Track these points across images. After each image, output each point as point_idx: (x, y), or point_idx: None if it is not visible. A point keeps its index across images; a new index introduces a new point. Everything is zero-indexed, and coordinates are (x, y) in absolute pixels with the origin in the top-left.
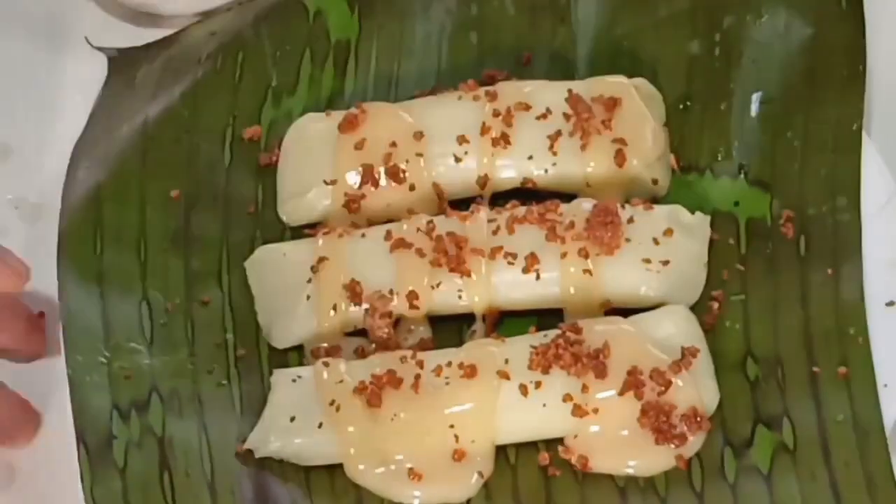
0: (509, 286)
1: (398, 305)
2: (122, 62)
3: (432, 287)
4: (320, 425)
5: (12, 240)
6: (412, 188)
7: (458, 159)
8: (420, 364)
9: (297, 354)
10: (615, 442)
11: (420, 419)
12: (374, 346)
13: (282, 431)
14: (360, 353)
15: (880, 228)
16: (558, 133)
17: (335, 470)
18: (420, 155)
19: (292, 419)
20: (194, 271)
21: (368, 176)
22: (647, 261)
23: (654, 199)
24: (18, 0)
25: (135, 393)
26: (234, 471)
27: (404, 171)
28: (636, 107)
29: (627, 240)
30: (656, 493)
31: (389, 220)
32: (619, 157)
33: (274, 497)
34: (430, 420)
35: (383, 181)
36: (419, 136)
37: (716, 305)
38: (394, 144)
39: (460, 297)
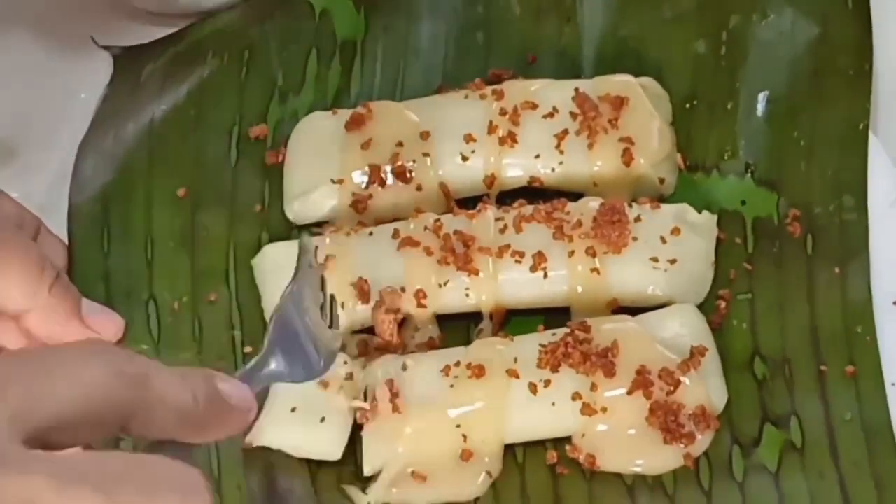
0: (516, 285)
1: (406, 304)
2: (127, 60)
3: (440, 285)
4: (322, 419)
5: None
6: (419, 188)
7: (464, 158)
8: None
9: None
10: (623, 441)
11: (426, 422)
12: (375, 341)
13: (281, 422)
14: (362, 349)
15: (887, 227)
16: (565, 132)
17: (342, 466)
18: (427, 155)
19: (293, 409)
20: (201, 270)
21: (375, 176)
22: (655, 259)
23: (661, 198)
24: None
25: None
26: (240, 467)
27: (411, 172)
28: (643, 106)
29: (634, 238)
30: (664, 491)
31: (397, 219)
32: (626, 156)
33: (281, 493)
34: (436, 423)
35: (390, 181)
36: (426, 135)
37: (723, 304)
38: (400, 144)
39: (467, 295)
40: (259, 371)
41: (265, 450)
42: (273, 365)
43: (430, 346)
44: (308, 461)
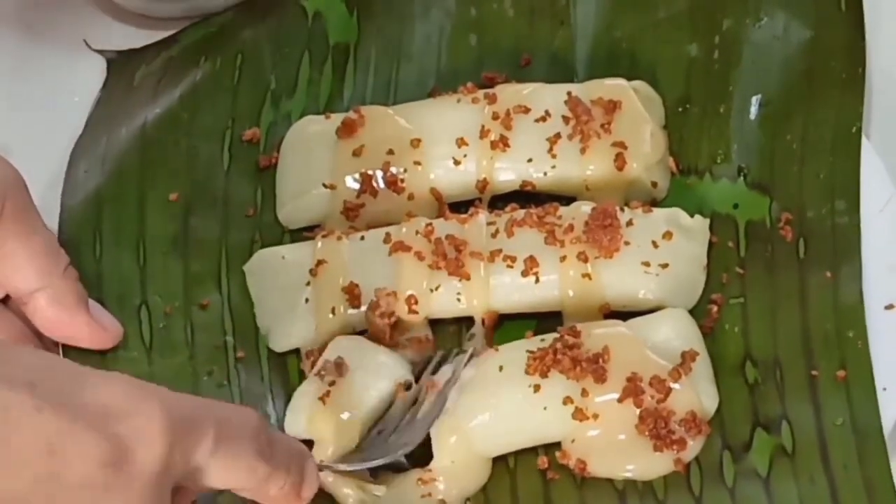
0: (508, 289)
1: (397, 309)
2: (120, 64)
3: (431, 290)
4: None
5: None
6: (411, 197)
7: (457, 162)
8: None
9: (296, 356)
10: (613, 446)
11: None
12: None
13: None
14: None
15: (879, 231)
16: (557, 136)
17: None
18: (418, 163)
19: None
20: (193, 274)
21: (367, 185)
22: (647, 264)
23: (653, 202)
24: (17, 2)
25: None
26: None
27: (402, 181)
28: (636, 109)
29: (626, 243)
30: (655, 496)
31: (388, 224)
32: (619, 161)
33: None
34: None
35: (382, 190)
36: (417, 143)
37: (715, 308)
38: (391, 152)
39: (459, 300)
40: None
41: None
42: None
43: (421, 343)
44: None
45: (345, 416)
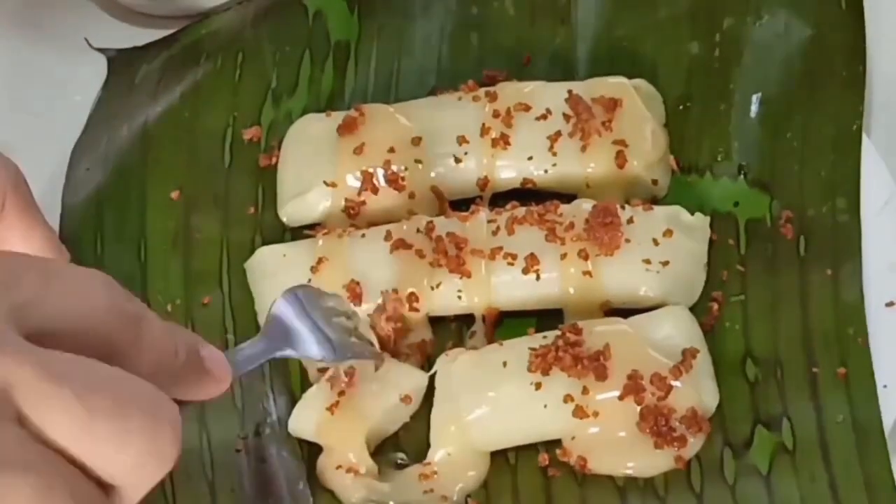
0: (509, 287)
1: (399, 307)
2: (121, 63)
3: (432, 288)
4: None
5: None
6: (412, 195)
7: (457, 160)
8: None
9: None
10: (614, 444)
11: None
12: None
13: None
14: None
15: (880, 229)
16: (558, 134)
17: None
18: (419, 161)
19: None
20: (195, 272)
21: (368, 183)
22: (647, 261)
23: (654, 200)
24: (18, 1)
25: None
26: (234, 469)
27: (403, 179)
28: (636, 108)
29: (627, 240)
30: (656, 493)
31: (389, 222)
32: (620, 159)
33: (275, 495)
34: None
35: (383, 188)
36: (417, 141)
37: (715, 306)
38: (392, 150)
39: (460, 297)
40: (242, 352)
41: (258, 450)
42: (261, 346)
43: (421, 348)
44: (304, 460)
45: (351, 428)
